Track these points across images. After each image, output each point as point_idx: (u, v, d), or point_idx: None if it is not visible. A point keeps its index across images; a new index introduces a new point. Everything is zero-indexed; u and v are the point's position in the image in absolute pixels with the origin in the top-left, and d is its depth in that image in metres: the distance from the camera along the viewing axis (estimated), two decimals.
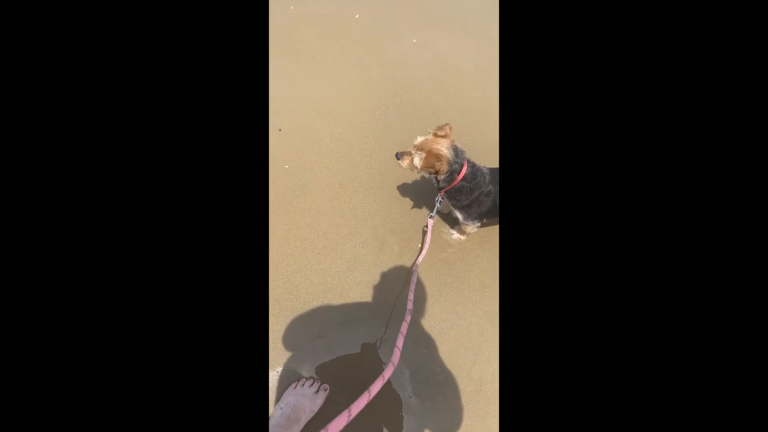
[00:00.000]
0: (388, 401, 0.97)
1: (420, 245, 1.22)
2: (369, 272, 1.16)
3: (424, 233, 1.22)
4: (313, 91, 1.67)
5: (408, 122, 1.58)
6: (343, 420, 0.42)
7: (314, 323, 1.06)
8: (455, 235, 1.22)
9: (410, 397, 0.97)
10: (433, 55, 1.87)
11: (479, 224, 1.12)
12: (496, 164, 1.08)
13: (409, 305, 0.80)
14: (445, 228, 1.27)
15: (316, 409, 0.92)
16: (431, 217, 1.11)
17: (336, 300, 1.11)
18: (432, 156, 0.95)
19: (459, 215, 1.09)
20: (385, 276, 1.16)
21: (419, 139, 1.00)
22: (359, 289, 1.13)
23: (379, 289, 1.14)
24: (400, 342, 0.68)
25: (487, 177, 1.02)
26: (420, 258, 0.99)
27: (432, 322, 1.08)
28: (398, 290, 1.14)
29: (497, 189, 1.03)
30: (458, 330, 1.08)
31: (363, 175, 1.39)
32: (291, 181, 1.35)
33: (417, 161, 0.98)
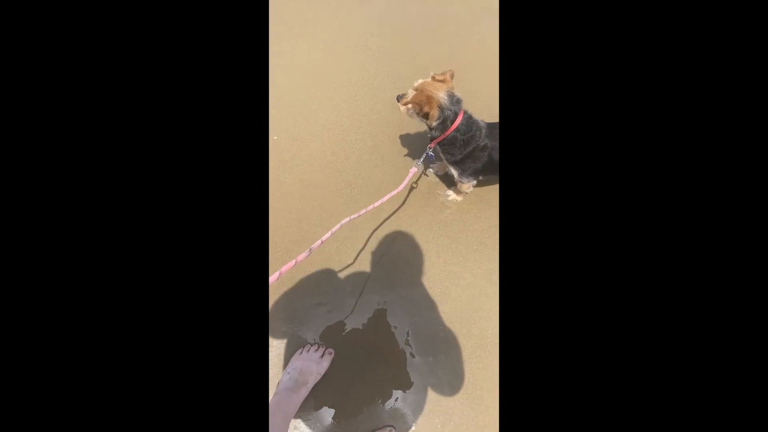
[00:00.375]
0: (392, 362, 1.00)
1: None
2: (365, 239, 1.15)
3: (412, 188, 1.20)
4: (296, 56, 1.57)
5: (398, 81, 1.49)
6: (274, 278, 0.52)
7: (315, 292, 1.08)
8: (451, 196, 1.19)
9: (413, 356, 1.00)
10: (422, 3, 1.73)
11: (475, 182, 1.09)
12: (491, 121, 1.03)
13: (316, 244, 0.68)
14: (441, 190, 1.24)
15: (322, 372, 0.96)
16: (417, 166, 1.05)
17: (335, 268, 1.11)
18: (422, 95, 0.90)
19: (453, 172, 1.05)
20: (381, 242, 1.15)
21: (418, 82, 0.95)
22: (357, 257, 1.13)
23: (376, 255, 1.13)
24: (285, 267, 0.58)
25: (484, 131, 0.97)
26: (378, 202, 0.89)
27: (432, 284, 1.09)
28: (395, 254, 1.13)
29: (495, 144, 0.98)
30: (458, 289, 1.08)
31: (354, 140, 1.34)
32: (280, 153, 1.31)
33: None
